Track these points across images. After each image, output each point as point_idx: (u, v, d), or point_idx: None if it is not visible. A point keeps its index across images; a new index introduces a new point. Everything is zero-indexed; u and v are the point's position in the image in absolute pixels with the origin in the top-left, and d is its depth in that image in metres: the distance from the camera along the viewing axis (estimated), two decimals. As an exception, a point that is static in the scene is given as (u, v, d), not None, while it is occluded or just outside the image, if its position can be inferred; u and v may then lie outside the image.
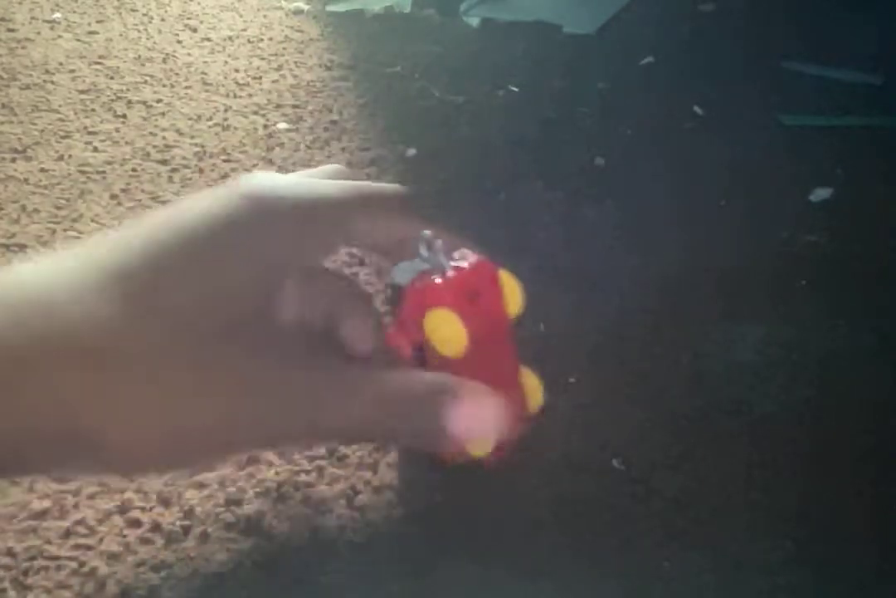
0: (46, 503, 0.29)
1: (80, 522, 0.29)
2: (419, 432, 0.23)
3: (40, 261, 0.21)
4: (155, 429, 0.20)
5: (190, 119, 0.52)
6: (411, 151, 0.50)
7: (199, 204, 0.23)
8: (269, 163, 0.48)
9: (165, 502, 0.30)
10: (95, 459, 0.21)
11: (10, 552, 0.28)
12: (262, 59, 0.59)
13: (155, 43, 0.60)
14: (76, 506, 0.29)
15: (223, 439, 0.22)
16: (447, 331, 0.24)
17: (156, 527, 0.29)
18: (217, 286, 0.21)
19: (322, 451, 0.32)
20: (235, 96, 0.55)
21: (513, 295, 0.26)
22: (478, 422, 0.23)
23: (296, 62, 0.59)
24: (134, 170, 0.47)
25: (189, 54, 0.59)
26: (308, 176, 0.26)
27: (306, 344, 0.23)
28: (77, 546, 0.28)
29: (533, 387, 0.28)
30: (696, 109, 0.55)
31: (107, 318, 0.20)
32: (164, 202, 0.45)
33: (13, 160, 0.47)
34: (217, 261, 0.22)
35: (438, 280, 0.25)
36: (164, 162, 0.48)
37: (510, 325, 0.26)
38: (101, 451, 0.20)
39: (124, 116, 0.52)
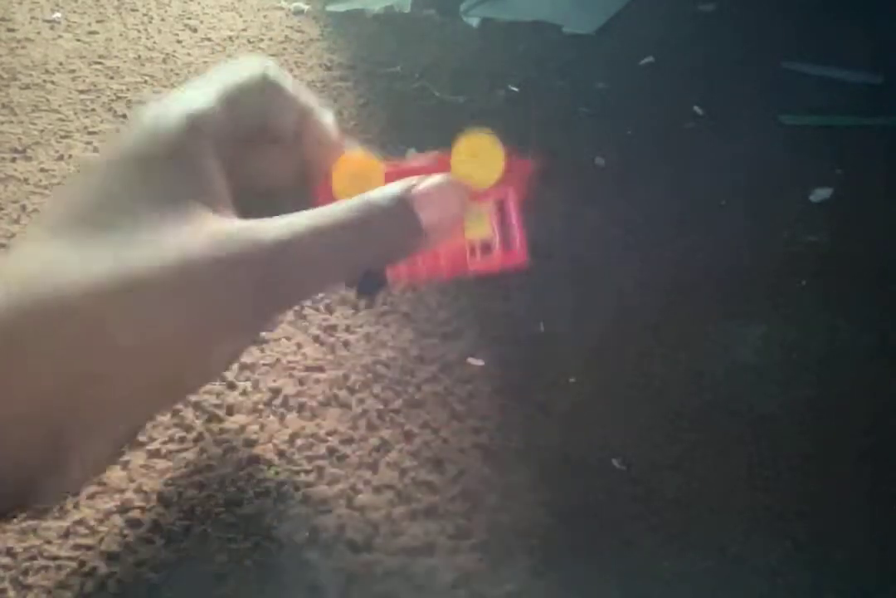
0: (46, 503, 0.29)
1: (80, 522, 0.29)
2: (406, 231, 0.24)
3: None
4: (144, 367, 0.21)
5: (190, 119, 0.52)
6: (411, 151, 0.50)
7: (111, 148, 0.24)
8: (269, 163, 0.48)
9: (165, 502, 0.30)
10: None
11: (10, 552, 0.28)
12: (262, 59, 0.59)
13: (155, 43, 0.60)
14: (76, 506, 0.29)
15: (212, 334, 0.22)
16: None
17: (156, 527, 0.29)
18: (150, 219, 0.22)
19: (322, 451, 0.32)
20: (235, 96, 0.55)
21: None
22: (446, 205, 0.25)
23: (296, 62, 0.59)
24: (134, 170, 0.47)
25: (189, 54, 0.59)
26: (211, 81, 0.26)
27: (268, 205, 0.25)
28: (77, 546, 0.28)
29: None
30: (696, 109, 0.55)
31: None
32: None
33: (13, 160, 0.47)
34: (140, 194, 0.22)
35: None
36: (164, 162, 0.48)
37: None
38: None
39: (124, 116, 0.52)
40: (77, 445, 0.21)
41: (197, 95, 0.25)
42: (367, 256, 0.24)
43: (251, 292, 0.22)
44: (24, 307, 0.20)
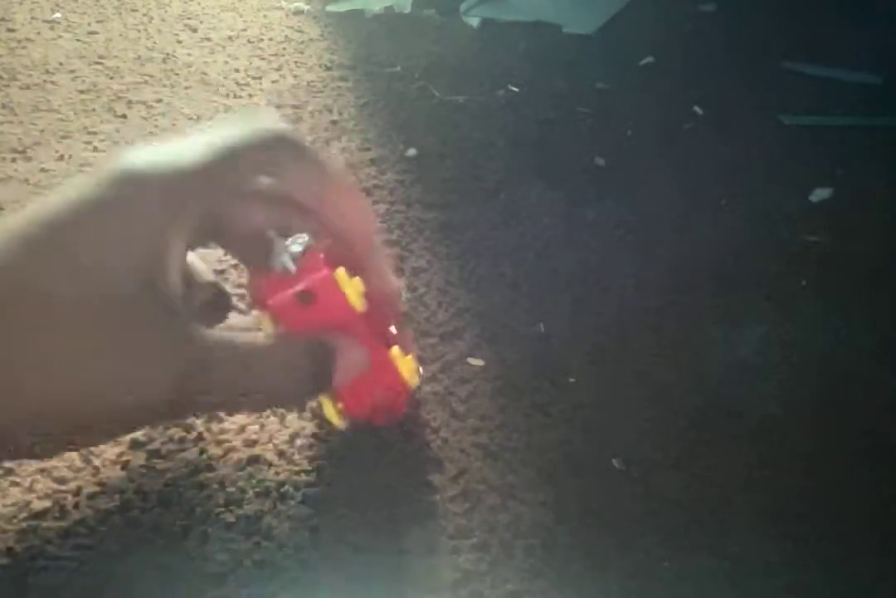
0: (46, 503, 0.29)
1: (80, 522, 0.29)
2: (289, 387, 0.26)
3: None
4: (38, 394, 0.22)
5: (190, 119, 0.52)
6: (411, 151, 0.50)
7: (66, 192, 0.24)
8: (269, 163, 0.48)
9: (165, 502, 0.30)
10: None
11: (10, 552, 0.28)
12: (262, 59, 0.59)
13: (155, 43, 0.60)
14: (76, 506, 0.29)
15: (89, 406, 0.23)
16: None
17: (156, 527, 0.29)
18: (88, 268, 0.23)
19: (322, 451, 0.32)
20: (235, 96, 0.55)
21: (353, 293, 0.28)
22: (344, 372, 0.27)
23: (296, 62, 0.59)
24: (134, 170, 0.47)
25: (189, 54, 0.59)
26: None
27: (189, 311, 0.26)
28: (77, 546, 0.28)
29: (408, 367, 0.30)
30: (696, 109, 0.55)
31: None
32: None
33: (13, 160, 0.47)
34: (82, 247, 0.23)
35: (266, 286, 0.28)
36: (164, 162, 0.48)
37: (357, 316, 0.28)
38: None
39: (124, 116, 0.52)
40: None
41: (182, 155, 0.24)
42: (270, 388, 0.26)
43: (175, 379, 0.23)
44: None
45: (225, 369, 0.25)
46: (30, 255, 0.22)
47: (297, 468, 0.31)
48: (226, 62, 0.58)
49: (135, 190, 0.23)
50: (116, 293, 0.23)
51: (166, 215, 0.24)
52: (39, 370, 0.22)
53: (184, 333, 0.24)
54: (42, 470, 0.30)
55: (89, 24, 0.62)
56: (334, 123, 0.52)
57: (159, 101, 0.53)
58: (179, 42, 0.61)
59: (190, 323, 0.24)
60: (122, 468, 0.31)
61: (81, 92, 0.54)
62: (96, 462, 0.31)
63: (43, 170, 0.47)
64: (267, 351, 0.26)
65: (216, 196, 0.25)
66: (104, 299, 0.23)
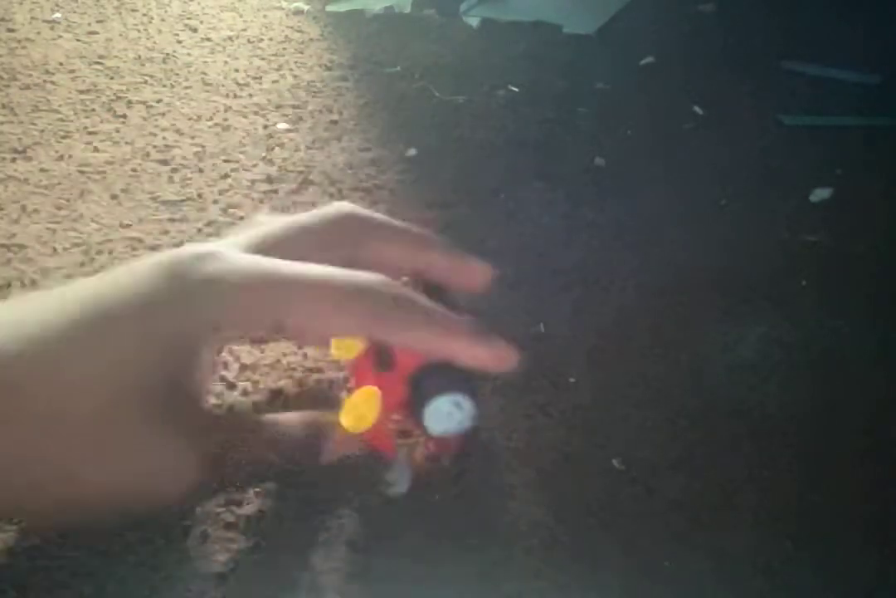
0: (46, 503, 0.29)
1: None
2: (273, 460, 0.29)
3: None
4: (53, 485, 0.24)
5: (190, 119, 0.52)
6: (411, 151, 0.50)
7: (120, 280, 0.25)
8: (270, 163, 0.48)
9: (165, 502, 0.29)
10: None
11: (10, 552, 0.28)
12: (262, 59, 0.59)
13: (155, 43, 0.60)
14: (76, 506, 0.29)
15: (121, 496, 0.25)
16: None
17: (156, 527, 0.29)
18: (120, 359, 0.24)
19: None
20: (235, 96, 0.55)
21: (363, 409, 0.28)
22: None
23: (296, 62, 0.59)
24: (134, 170, 0.47)
25: (189, 54, 0.59)
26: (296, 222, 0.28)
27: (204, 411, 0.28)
28: (77, 546, 0.28)
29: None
30: (696, 109, 0.55)
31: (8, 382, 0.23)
32: (164, 202, 0.45)
33: (13, 160, 0.47)
34: (125, 335, 0.24)
35: None
36: (164, 162, 0.48)
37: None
38: None
39: (124, 116, 0.52)
40: None
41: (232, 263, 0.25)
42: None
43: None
44: None
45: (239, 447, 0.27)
46: (67, 340, 0.24)
47: (296, 469, 0.31)
48: (226, 62, 0.58)
49: (182, 292, 0.24)
50: (142, 384, 0.24)
51: (202, 317, 0.24)
52: (57, 461, 0.24)
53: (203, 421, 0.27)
54: (42, 470, 0.30)
55: (89, 24, 0.62)
56: (334, 122, 0.52)
57: (159, 101, 0.53)
58: (179, 42, 0.61)
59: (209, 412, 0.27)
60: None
61: (81, 92, 0.54)
62: (96, 462, 0.31)
63: (43, 170, 0.47)
64: (256, 427, 0.28)
65: (267, 303, 0.25)
66: (128, 389, 0.24)
